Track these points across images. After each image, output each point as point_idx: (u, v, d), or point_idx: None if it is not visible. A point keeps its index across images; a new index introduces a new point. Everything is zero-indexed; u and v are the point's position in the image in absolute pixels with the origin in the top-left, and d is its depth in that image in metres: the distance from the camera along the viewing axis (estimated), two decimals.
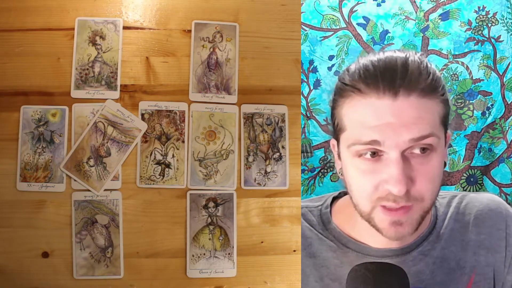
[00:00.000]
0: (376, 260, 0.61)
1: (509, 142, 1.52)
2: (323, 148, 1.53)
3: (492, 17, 1.48)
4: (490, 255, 0.63)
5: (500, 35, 1.48)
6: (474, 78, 1.50)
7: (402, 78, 0.53)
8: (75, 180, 0.89)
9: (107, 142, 0.91)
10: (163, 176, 0.91)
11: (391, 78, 0.53)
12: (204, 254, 0.91)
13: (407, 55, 0.55)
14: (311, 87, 1.52)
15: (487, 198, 0.67)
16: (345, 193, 0.68)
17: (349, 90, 0.56)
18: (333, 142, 0.62)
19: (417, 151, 0.54)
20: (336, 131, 0.59)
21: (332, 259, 0.62)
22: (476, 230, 0.64)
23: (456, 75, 1.50)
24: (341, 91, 0.57)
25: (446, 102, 0.56)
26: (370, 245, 0.62)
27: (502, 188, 1.53)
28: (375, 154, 0.54)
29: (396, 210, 0.54)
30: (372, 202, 0.55)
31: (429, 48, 1.50)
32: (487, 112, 1.51)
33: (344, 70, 0.59)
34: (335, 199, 0.67)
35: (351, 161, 0.56)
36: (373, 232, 0.59)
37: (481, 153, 1.53)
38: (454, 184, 1.54)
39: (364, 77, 0.54)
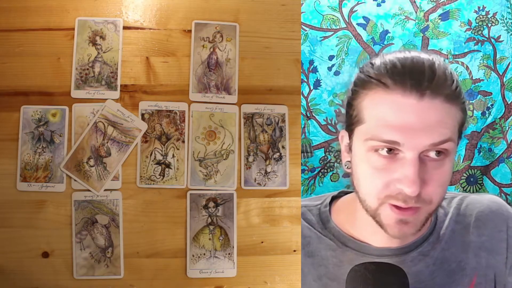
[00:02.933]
0: (375, 259, 0.61)
1: (509, 142, 1.52)
2: (323, 148, 1.53)
3: (492, 17, 1.48)
4: (491, 257, 0.63)
5: (500, 35, 1.49)
6: (474, 78, 1.50)
7: (430, 81, 0.53)
8: (75, 180, 0.89)
9: (107, 142, 0.91)
10: (163, 176, 0.91)
11: (419, 78, 0.53)
12: (204, 254, 0.91)
13: (433, 59, 0.55)
14: (311, 87, 1.52)
15: (488, 199, 0.66)
16: (345, 193, 0.67)
17: (373, 83, 0.55)
18: (343, 133, 0.62)
19: (432, 154, 0.54)
20: (351, 122, 0.58)
21: (331, 258, 0.62)
22: (477, 231, 0.63)
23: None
24: (364, 83, 0.57)
25: (464, 110, 0.57)
26: (370, 243, 0.62)
27: (502, 188, 1.53)
28: (391, 151, 0.54)
29: (405, 210, 0.55)
30: (380, 199, 0.55)
31: (429, 48, 1.50)
32: (487, 112, 1.52)
33: (367, 63, 0.58)
34: (334, 198, 0.67)
35: (365, 155, 0.56)
36: (373, 230, 0.59)
37: (481, 153, 1.53)
38: (454, 184, 1.54)
39: (392, 72, 0.54)
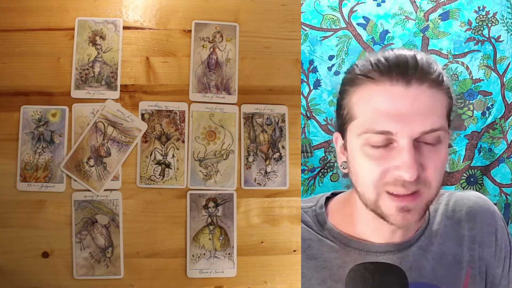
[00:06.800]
0: (379, 256, 0.61)
1: (509, 142, 1.52)
2: (323, 148, 1.53)
3: (492, 17, 1.47)
4: (482, 250, 0.65)
5: (500, 35, 1.48)
6: (474, 78, 1.50)
7: (414, 68, 0.54)
8: (75, 180, 0.89)
9: (107, 142, 0.91)
10: (163, 176, 0.91)
11: (403, 68, 0.55)
12: (204, 254, 0.91)
13: (414, 53, 0.57)
14: (311, 87, 1.52)
15: (474, 195, 0.69)
16: (338, 193, 0.68)
17: (360, 80, 0.57)
18: (336, 135, 0.63)
19: (427, 139, 0.55)
20: (343, 122, 0.60)
21: (334, 259, 0.62)
22: (468, 225, 0.66)
23: (456, 75, 1.50)
24: (351, 81, 0.58)
25: (450, 95, 0.58)
26: (373, 241, 0.62)
27: (502, 188, 1.53)
28: (385, 146, 0.55)
29: (404, 197, 0.55)
30: (378, 188, 0.56)
31: (429, 48, 1.50)
32: (487, 112, 1.51)
33: (352, 65, 0.60)
34: (328, 199, 0.67)
35: (361, 148, 0.57)
36: (374, 227, 0.60)
37: (481, 153, 1.53)
38: (454, 184, 1.54)
39: (377, 66, 0.56)
